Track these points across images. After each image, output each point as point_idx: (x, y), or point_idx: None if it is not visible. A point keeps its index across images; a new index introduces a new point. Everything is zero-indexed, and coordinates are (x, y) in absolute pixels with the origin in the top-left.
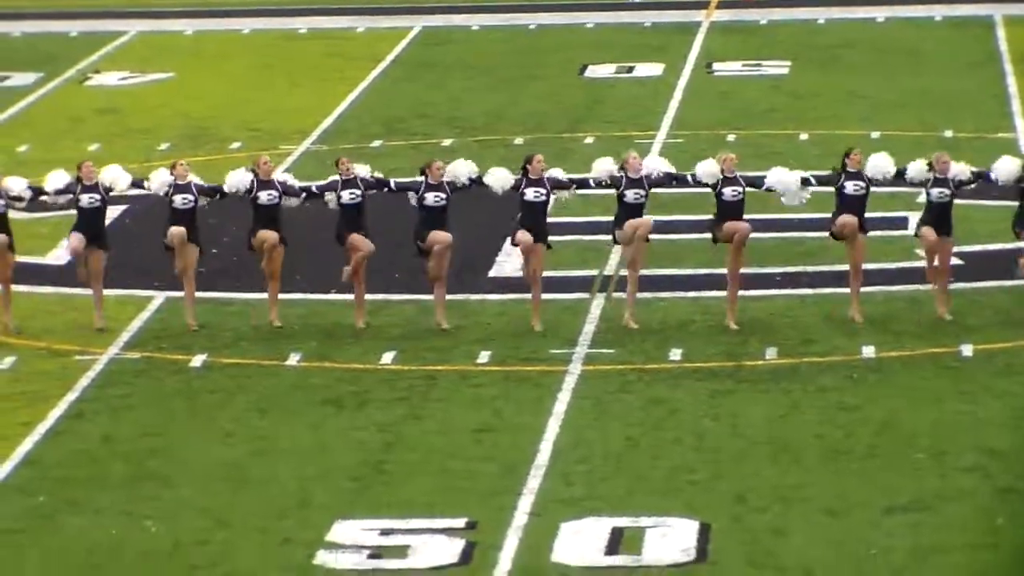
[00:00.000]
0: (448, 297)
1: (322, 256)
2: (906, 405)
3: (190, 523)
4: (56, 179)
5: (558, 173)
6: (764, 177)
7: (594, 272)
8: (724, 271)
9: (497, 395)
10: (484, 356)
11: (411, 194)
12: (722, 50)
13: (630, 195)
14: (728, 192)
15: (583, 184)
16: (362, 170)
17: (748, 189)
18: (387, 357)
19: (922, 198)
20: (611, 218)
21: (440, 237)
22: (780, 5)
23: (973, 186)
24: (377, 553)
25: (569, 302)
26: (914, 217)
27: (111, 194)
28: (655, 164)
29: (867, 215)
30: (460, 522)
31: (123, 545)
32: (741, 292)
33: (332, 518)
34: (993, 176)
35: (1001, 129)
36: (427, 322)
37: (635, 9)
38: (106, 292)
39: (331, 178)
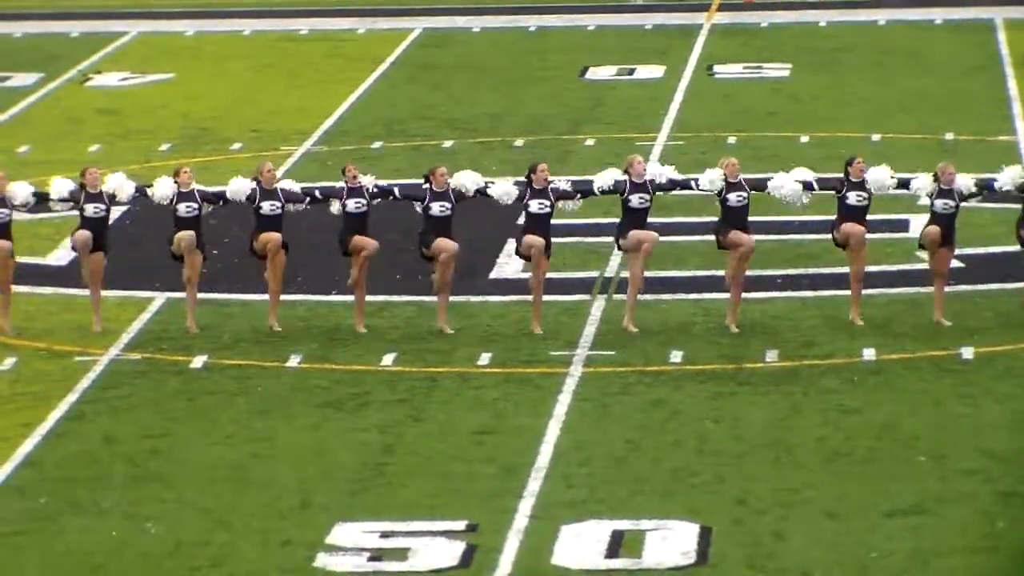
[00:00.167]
0: (449, 299)
1: (323, 258)
2: (907, 408)
3: (191, 524)
4: (60, 187)
5: (562, 183)
6: (767, 181)
7: (595, 274)
8: (722, 272)
9: (498, 397)
10: (485, 358)
11: (416, 204)
12: (723, 53)
13: (635, 199)
14: (733, 198)
15: (587, 193)
16: (367, 180)
17: (753, 193)
18: (388, 359)
19: (925, 200)
20: (612, 220)
21: (446, 246)
22: (781, 8)
23: (978, 199)
24: (377, 555)
25: (570, 304)
26: (915, 220)
27: (115, 202)
28: (658, 169)
29: (868, 217)
30: (460, 524)
31: (124, 546)
32: (727, 295)
33: (332, 520)
34: (997, 184)
35: (1002, 132)
36: (428, 324)
37: (636, 11)
38: (106, 293)
39: (336, 184)
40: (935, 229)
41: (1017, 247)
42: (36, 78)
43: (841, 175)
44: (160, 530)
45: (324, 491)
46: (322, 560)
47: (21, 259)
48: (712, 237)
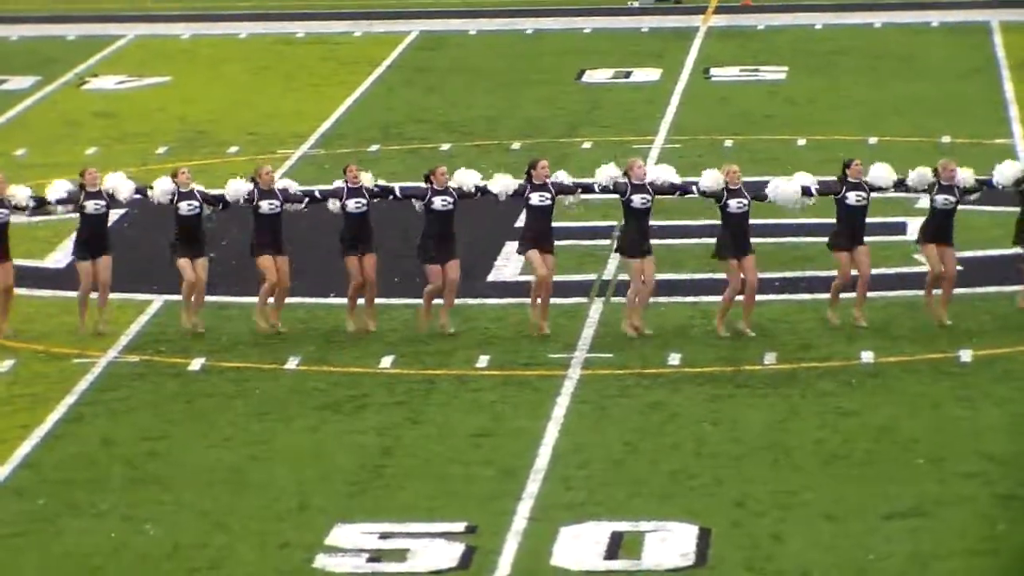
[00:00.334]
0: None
1: (321, 260)
2: (905, 410)
3: (189, 526)
4: (59, 188)
5: (563, 177)
6: (766, 191)
7: (593, 277)
8: (722, 276)
9: (496, 399)
10: (483, 360)
11: (416, 201)
12: (720, 55)
13: (637, 200)
14: (733, 204)
15: (588, 189)
16: (366, 179)
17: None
18: (386, 361)
19: (922, 203)
20: (610, 223)
21: (450, 274)
22: (777, 11)
23: (977, 195)
24: (376, 557)
25: (568, 307)
26: (912, 223)
27: (114, 201)
28: (660, 173)
29: (866, 220)
30: (459, 526)
31: (122, 548)
32: (739, 297)
33: (331, 522)
34: (995, 180)
35: (998, 135)
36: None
37: (633, 14)
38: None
39: (336, 184)
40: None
41: (1016, 250)
42: (33, 81)
43: (838, 176)
44: (158, 532)
45: (322, 493)
46: (321, 561)
47: (19, 262)
48: (708, 240)
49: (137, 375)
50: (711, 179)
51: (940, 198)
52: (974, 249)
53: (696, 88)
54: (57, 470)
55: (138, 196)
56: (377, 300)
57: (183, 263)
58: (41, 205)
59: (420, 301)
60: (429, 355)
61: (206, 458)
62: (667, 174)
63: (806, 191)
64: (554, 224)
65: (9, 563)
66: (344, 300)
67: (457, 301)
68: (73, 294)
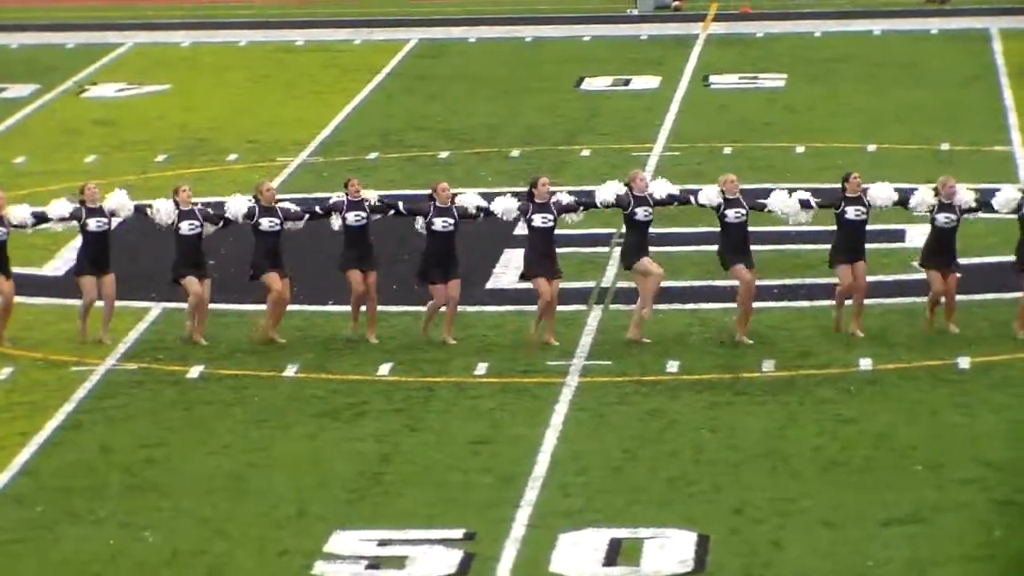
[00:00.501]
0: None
1: (319, 268)
2: (903, 417)
3: (187, 533)
4: (59, 207)
5: (565, 197)
6: (766, 203)
7: (591, 285)
8: (721, 283)
9: (495, 407)
10: (481, 368)
11: (419, 219)
12: (719, 63)
13: (640, 213)
14: (731, 214)
15: (590, 205)
16: (370, 194)
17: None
18: (384, 368)
19: (923, 214)
20: (610, 230)
21: (451, 292)
22: (776, 18)
23: (978, 214)
24: (375, 564)
25: (567, 314)
26: (911, 230)
27: (114, 219)
28: (659, 189)
29: (866, 228)
30: (458, 533)
31: (121, 555)
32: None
33: (330, 529)
34: (995, 205)
35: (997, 142)
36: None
37: (632, 22)
38: (102, 303)
39: (336, 197)
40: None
41: (1013, 257)
42: (32, 89)
43: (838, 189)
44: (157, 539)
45: (321, 500)
46: (320, 568)
47: (17, 269)
48: (706, 247)
49: (135, 383)
50: (709, 196)
51: (941, 216)
52: (971, 257)
53: (695, 96)
54: (55, 477)
55: (139, 215)
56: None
57: (188, 280)
58: (41, 222)
59: (418, 308)
60: (427, 362)
61: (205, 465)
62: (665, 189)
63: (805, 204)
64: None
65: (8, 570)
66: (343, 308)
67: (456, 313)
68: (71, 302)
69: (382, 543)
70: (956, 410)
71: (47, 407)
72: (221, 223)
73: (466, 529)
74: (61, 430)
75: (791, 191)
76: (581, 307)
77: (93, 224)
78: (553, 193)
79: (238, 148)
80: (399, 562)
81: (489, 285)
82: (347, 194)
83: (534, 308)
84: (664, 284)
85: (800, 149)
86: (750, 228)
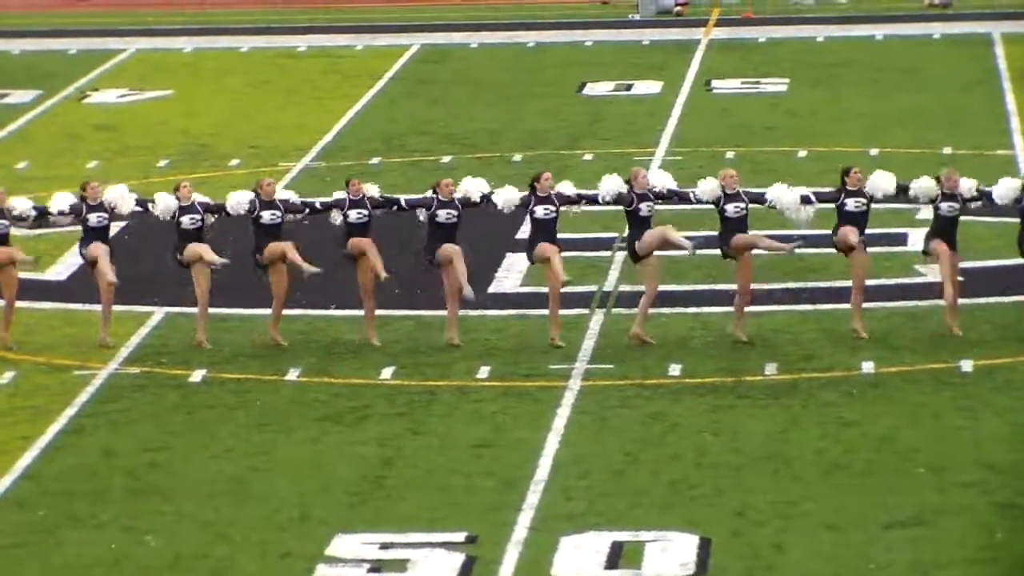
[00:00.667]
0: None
1: (323, 272)
2: (906, 420)
3: (190, 537)
4: (61, 200)
5: (567, 188)
6: (765, 194)
7: (594, 288)
8: (723, 287)
9: (497, 410)
10: (484, 371)
11: (421, 211)
12: (721, 68)
13: (643, 208)
14: (731, 208)
15: (592, 200)
16: (371, 189)
17: (751, 205)
18: (387, 372)
19: (923, 214)
20: (612, 234)
21: (451, 249)
22: (779, 23)
23: (979, 204)
24: (377, 567)
25: (568, 318)
26: (914, 233)
27: (115, 214)
28: (659, 179)
29: (867, 231)
30: (460, 536)
31: (123, 559)
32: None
33: (332, 532)
34: (995, 196)
35: (1000, 146)
36: (427, 337)
37: (634, 27)
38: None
39: (337, 196)
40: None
41: (1017, 260)
42: (34, 95)
43: (837, 186)
44: (159, 543)
45: (323, 504)
46: (322, 572)
47: (20, 275)
48: (707, 251)
49: (138, 387)
50: (708, 189)
51: (945, 205)
52: (975, 259)
53: (697, 100)
54: (58, 481)
55: (139, 209)
56: (377, 312)
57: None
58: (42, 216)
59: (421, 312)
60: (430, 366)
61: (207, 469)
62: (665, 180)
63: (805, 199)
64: (557, 235)
65: (9, 574)
66: (345, 312)
67: (458, 312)
68: (74, 306)
69: (384, 546)
70: (959, 413)
71: (49, 411)
72: (222, 214)
73: (468, 532)
74: (63, 434)
75: (791, 187)
76: (583, 311)
77: (94, 219)
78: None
79: (240, 153)
80: (401, 565)
81: (491, 289)
82: (348, 193)
83: (536, 312)
84: (666, 288)
85: (802, 153)
86: (753, 231)
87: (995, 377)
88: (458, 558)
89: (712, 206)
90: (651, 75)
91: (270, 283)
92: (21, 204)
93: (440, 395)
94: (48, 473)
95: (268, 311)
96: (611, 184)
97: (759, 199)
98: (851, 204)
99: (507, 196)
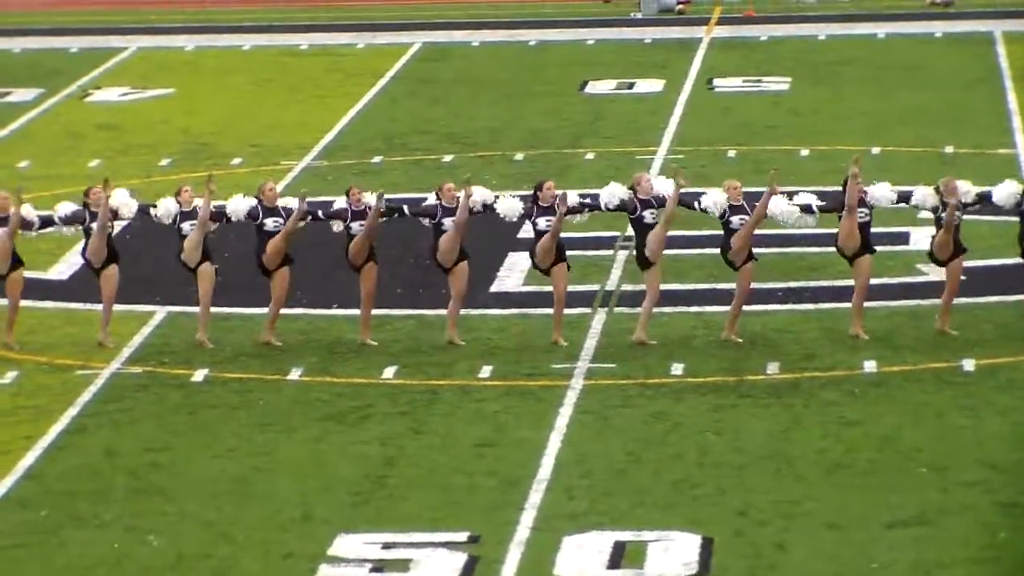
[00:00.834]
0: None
1: (323, 272)
2: (908, 420)
3: (192, 537)
4: (65, 208)
5: (571, 198)
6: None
7: (596, 287)
8: (725, 286)
9: (499, 410)
10: (486, 371)
11: (426, 220)
12: (722, 66)
13: (648, 216)
14: (736, 221)
15: (594, 208)
16: (372, 199)
17: None
18: (389, 372)
19: (925, 212)
20: (613, 233)
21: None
22: (780, 21)
23: (977, 207)
24: (379, 567)
25: (571, 317)
26: (915, 232)
27: (117, 218)
28: (663, 188)
29: (870, 233)
30: (462, 536)
31: (125, 559)
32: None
33: (334, 532)
34: (994, 199)
35: (1002, 145)
36: (429, 337)
37: (636, 25)
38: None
39: (339, 204)
40: (943, 236)
41: (1017, 259)
42: (36, 93)
43: (840, 191)
44: (161, 543)
45: (325, 503)
46: (324, 572)
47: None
48: (710, 250)
49: (140, 386)
50: (713, 201)
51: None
52: (976, 259)
53: (699, 99)
54: (60, 481)
55: (143, 214)
56: (379, 311)
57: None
58: (47, 225)
59: (423, 312)
60: (432, 366)
61: (209, 469)
62: (670, 189)
63: (806, 209)
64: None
65: (12, 574)
66: (347, 312)
67: (460, 312)
68: (76, 306)
69: (386, 546)
70: (961, 412)
71: (52, 411)
72: (224, 220)
73: (470, 532)
74: (66, 434)
75: (791, 195)
76: (585, 310)
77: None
78: (557, 196)
79: (241, 152)
80: (403, 565)
81: (493, 288)
82: (349, 204)
83: (538, 311)
84: (669, 287)
85: (804, 152)
86: (756, 230)
87: (997, 376)
88: (460, 558)
89: (717, 218)
90: (653, 74)
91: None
92: (27, 210)
93: (442, 394)
94: (50, 473)
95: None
96: (614, 191)
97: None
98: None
99: (510, 206)
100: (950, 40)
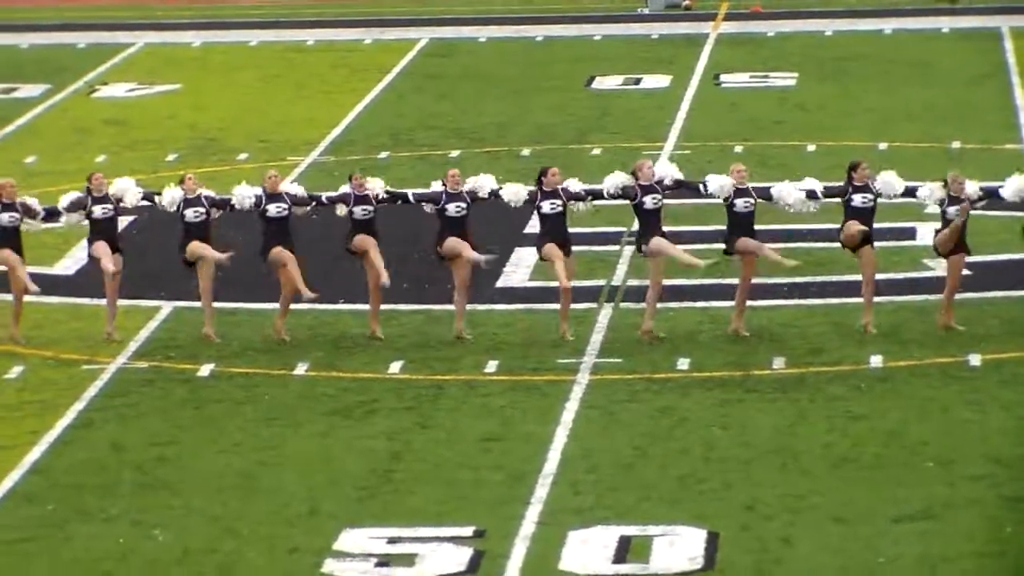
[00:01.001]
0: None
1: (330, 267)
2: (914, 414)
3: (198, 531)
4: (68, 197)
5: (575, 184)
6: (771, 189)
7: (602, 282)
8: (732, 281)
9: (505, 404)
10: (492, 365)
11: (430, 205)
12: (729, 62)
13: (648, 201)
14: (740, 204)
15: (598, 196)
16: (377, 185)
17: (760, 201)
18: (395, 366)
19: (932, 207)
20: (620, 228)
21: (459, 246)
22: (787, 17)
23: (983, 203)
24: (385, 561)
25: (577, 312)
26: (922, 227)
27: (121, 205)
28: (665, 170)
29: (875, 225)
30: (468, 530)
31: (131, 553)
32: (749, 302)
33: (340, 527)
34: (1003, 194)
35: (1008, 140)
36: (435, 332)
37: (643, 21)
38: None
39: (343, 189)
40: (948, 233)
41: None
42: (43, 89)
43: (844, 181)
44: (168, 537)
45: (332, 498)
46: (330, 566)
47: (28, 268)
48: (716, 245)
49: (146, 381)
50: (719, 185)
51: (952, 209)
52: (982, 254)
53: (706, 94)
54: (66, 475)
55: (145, 203)
56: (386, 306)
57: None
58: (52, 214)
59: (429, 307)
60: (438, 360)
61: (215, 463)
62: (672, 171)
63: (811, 195)
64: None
65: (19, 568)
66: (353, 306)
67: (466, 307)
68: (82, 300)
69: (392, 541)
70: (967, 407)
71: (58, 405)
72: (228, 208)
73: (476, 526)
74: (72, 429)
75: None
76: (591, 305)
77: (99, 211)
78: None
79: (248, 148)
80: (409, 560)
81: (499, 284)
82: (353, 190)
83: (544, 306)
84: (675, 282)
85: (811, 148)
86: (761, 226)
87: (1003, 371)
88: (466, 552)
89: (721, 202)
90: (660, 69)
91: (280, 282)
92: (31, 200)
93: (448, 389)
94: (57, 467)
95: (276, 305)
96: (615, 178)
97: (766, 195)
98: (858, 200)
99: (515, 191)
100: (957, 36)
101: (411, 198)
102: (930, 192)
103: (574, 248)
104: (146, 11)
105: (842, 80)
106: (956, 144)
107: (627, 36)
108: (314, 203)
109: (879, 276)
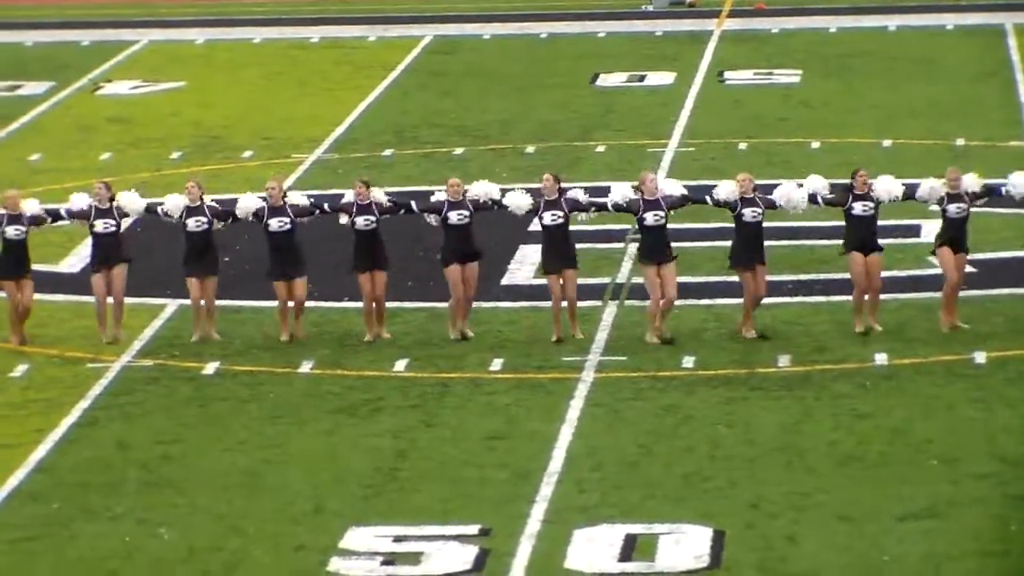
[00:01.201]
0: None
1: (334, 265)
2: (919, 412)
3: (203, 530)
4: (76, 202)
5: (578, 194)
6: (774, 194)
7: (607, 280)
8: (737, 279)
9: (510, 402)
10: (497, 364)
11: (433, 216)
12: (734, 59)
13: (650, 218)
14: (748, 213)
15: (601, 208)
16: (379, 194)
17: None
18: (400, 365)
19: (935, 206)
20: (624, 226)
21: (468, 275)
22: (791, 14)
23: (985, 200)
24: (390, 560)
25: (582, 310)
26: (926, 225)
27: (125, 219)
28: (670, 188)
29: (880, 223)
30: (473, 529)
31: (137, 551)
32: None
33: (345, 525)
34: (1005, 190)
35: (1012, 137)
36: (440, 330)
37: (647, 18)
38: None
39: (346, 198)
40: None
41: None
42: (47, 87)
43: (847, 183)
44: (173, 536)
45: (337, 496)
46: (335, 564)
47: (34, 266)
48: (721, 243)
49: (151, 379)
50: (726, 190)
51: (952, 207)
52: (986, 251)
53: (710, 91)
54: (72, 474)
55: (150, 214)
56: (390, 304)
57: (192, 282)
58: (57, 218)
59: (434, 305)
60: (443, 359)
61: (220, 462)
62: (676, 189)
63: (813, 199)
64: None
65: (24, 567)
66: (358, 304)
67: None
68: (87, 299)
69: (397, 539)
70: (972, 405)
71: (63, 404)
72: (230, 219)
73: (481, 525)
74: (77, 427)
75: (799, 184)
76: (596, 303)
77: (100, 226)
78: (566, 190)
79: (252, 145)
80: (414, 558)
81: (504, 281)
82: (356, 198)
83: (549, 304)
84: (680, 279)
85: (815, 145)
86: (765, 224)
87: (1008, 369)
88: (471, 550)
89: (729, 210)
90: (664, 66)
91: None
92: (34, 206)
93: (453, 387)
94: (62, 466)
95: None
96: (620, 191)
97: (772, 204)
98: (858, 208)
99: (518, 201)
100: (961, 32)
101: (414, 208)
102: (930, 191)
103: (578, 246)
104: (150, 8)
105: (846, 77)
106: (960, 141)
107: (631, 33)
108: (317, 211)
109: (883, 273)
